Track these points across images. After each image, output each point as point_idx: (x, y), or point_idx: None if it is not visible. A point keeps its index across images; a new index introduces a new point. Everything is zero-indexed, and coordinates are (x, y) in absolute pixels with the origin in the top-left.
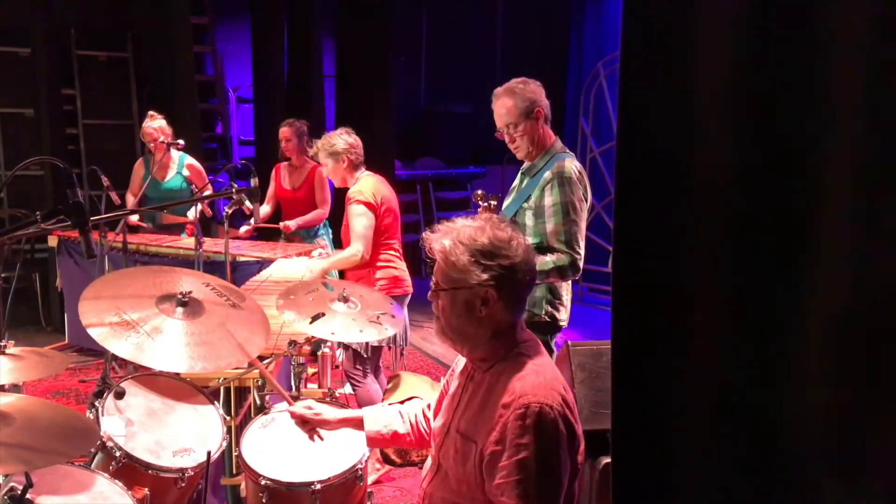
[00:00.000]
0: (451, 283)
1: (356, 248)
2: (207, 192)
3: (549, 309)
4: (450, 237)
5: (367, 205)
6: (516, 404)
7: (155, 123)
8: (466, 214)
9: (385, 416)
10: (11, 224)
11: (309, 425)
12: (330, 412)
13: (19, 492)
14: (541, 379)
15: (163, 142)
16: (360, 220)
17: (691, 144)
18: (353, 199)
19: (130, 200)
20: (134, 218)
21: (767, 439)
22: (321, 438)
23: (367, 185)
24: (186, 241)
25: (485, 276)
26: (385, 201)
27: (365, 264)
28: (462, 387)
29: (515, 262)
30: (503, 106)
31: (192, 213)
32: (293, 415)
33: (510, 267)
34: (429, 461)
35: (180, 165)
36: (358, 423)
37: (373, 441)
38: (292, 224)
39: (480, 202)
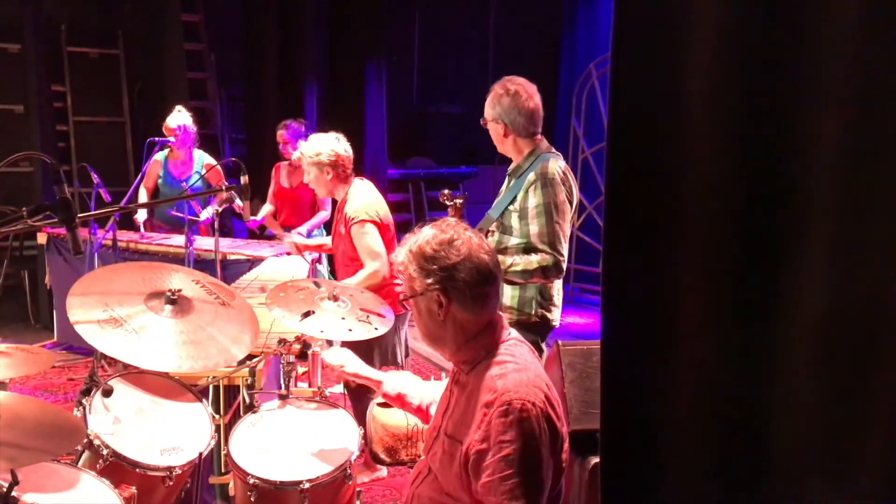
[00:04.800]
0: (409, 292)
1: (373, 267)
2: (193, 193)
3: (540, 310)
4: (405, 248)
5: (371, 222)
6: (499, 402)
7: (178, 119)
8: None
9: (401, 387)
10: None
11: (335, 372)
12: (354, 366)
13: (4, 489)
14: (523, 376)
15: (158, 140)
16: (368, 238)
17: (681, 146)
18: (355, 219)
19: (142, 194)
20: (141, 218)
21: (754, 439)
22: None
23: (363, 202)
24: (177, 240)
25: (429, 282)
26: (383, 216)
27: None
28: (449, 390)
29: (455, 263)
30: (487, 100)
31: (205, 214)
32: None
33: (449, 268)
34: (419, 462)
35: (199, 165)
36: (375, 384)
37: (387, 396)
38: (303, 230)
39: (447, 202)
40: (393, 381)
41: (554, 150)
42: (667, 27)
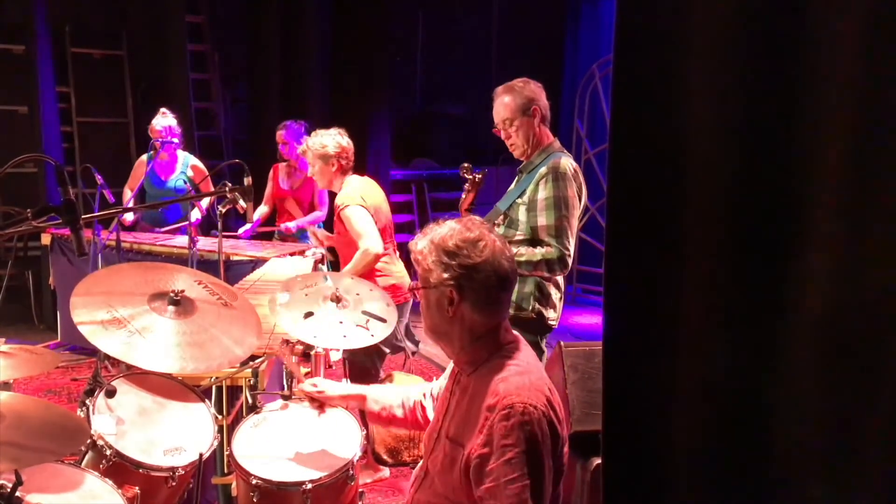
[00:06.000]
0: (422, 282)
1: (364, 247)
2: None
3: (537, 306)
4: (426, 238)
5: (356, 205)
6: (500, 405)
7: (164, 122)
8: (460, 216)
9: (386, 399)
10: (3, 221)
11: (316, 402)
12: (332, 389)
13: (8, 489)
14: (525, 380)
15: (161, 142)
16: (356, 221)
17: (683, 145)
18: (341, 207)
19: (127, 194)
20: (128, 218)
21: (758, 443)
22: (322, 412)
23: (354, 191)
24: (180, 240)
25: (445, 276)
26: (374, 205)
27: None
28: (450, 391)
29: (476, 263)
30: (501, 103)
31: (194, 215)
32: (302, 392)
33: (470, 267)
34: (419, 465)
35: (185, 166)
36: (360, 400)
37: (371, 417)
38: (292, 226)
39: (466, 175)
40: (375, 397)
41: (565, 150)
42: (669, 29)
